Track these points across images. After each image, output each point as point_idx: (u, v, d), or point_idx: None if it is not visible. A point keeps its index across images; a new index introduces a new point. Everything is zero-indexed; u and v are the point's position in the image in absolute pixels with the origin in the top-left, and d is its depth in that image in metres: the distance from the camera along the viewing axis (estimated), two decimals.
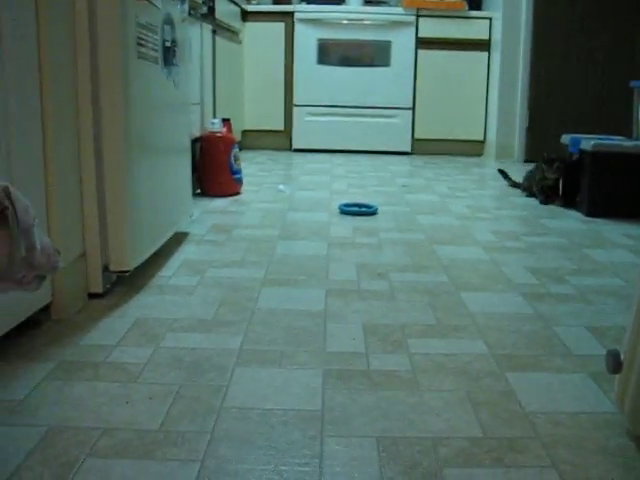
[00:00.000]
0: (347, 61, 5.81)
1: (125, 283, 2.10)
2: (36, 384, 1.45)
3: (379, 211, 3.36)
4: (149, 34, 2.11)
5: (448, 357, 1.63)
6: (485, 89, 5.83)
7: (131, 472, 1.14)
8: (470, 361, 1.61)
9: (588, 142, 3.45)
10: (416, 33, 5.74)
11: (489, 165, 5.43)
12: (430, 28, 5.73)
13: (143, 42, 2.05)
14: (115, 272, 2.04)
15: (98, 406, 1.37)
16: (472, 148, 5.96)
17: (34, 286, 1.07)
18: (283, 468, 1.16)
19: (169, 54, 2.35)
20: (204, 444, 1.23)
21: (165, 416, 1.33)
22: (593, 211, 3.40)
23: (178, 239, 2.69)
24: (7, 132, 1.55)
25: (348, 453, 1.21)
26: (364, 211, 3.33)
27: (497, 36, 5.62)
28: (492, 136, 5.74)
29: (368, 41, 5.77)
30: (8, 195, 0.95)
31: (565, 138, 3.81)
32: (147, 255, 2.21)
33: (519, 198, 3.86)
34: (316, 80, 5.82)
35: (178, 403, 1.39)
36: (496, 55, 5.66)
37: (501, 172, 4.43)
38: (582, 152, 3.50)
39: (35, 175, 1.69)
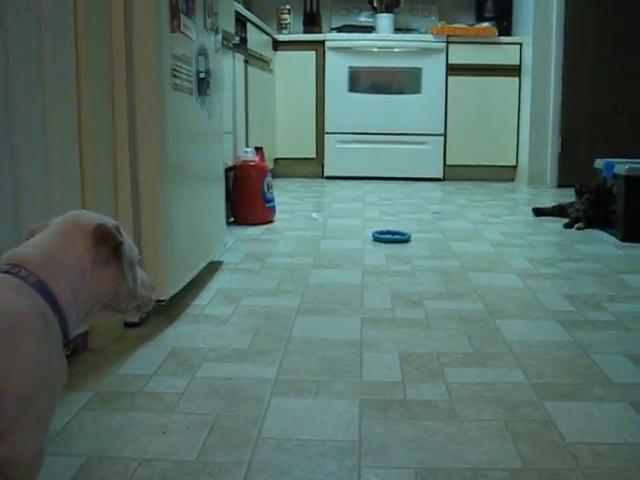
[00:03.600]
0: (378, 88, 5.84)
1: (161, 312, 2.11)
2: (74, 413, 1.46)
3: (412, 238, 3.35)
4: (184, 65, 2.14)
5: (485, 386, 1.62)
6: (516, 114, 5.82)
7: None
8: (508, 390, 1.59)
9: (622, 166, 3.42)
10: (446, 60, 5.76)
11: (521, 190, 5.41)
12: (460, 54, 5.75)
13: (178, 74, 2.08)
14: None
15: (136, 436, 1.37)
16: (504, 173, 5.93)
17: (133, 314, 1.17)
18: None
19: (203, 85, 2.37)
20: (241, 475, 1.23)
21: (202, 446, 1.33)
22: (628, 236, 3.36)
23: (213, 268, 2.70)
24: (47, 157, 1.58)
25: None
26: (397, 238, 3.33)
27: (528, 61, 5.62)
28: (524, 161, 5.72)
29: (399, 68, 5.80)
30: (119, 232, 1.04)
31: (598, 163, 3.78)
32: (182, 284, 2.22)
33: (552, 223, 3.83)
34: (347, 108, 5.85)
35: (215, 433, 1.39)
36: (527, 80, 5.65)
37: (535, 211, 4.15)
38: (616, 177, 3.47)
39: (72, 203, 1.71)
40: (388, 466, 1.26)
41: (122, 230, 1.07)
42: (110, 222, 1.05)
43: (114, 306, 1.10)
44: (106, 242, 1.04)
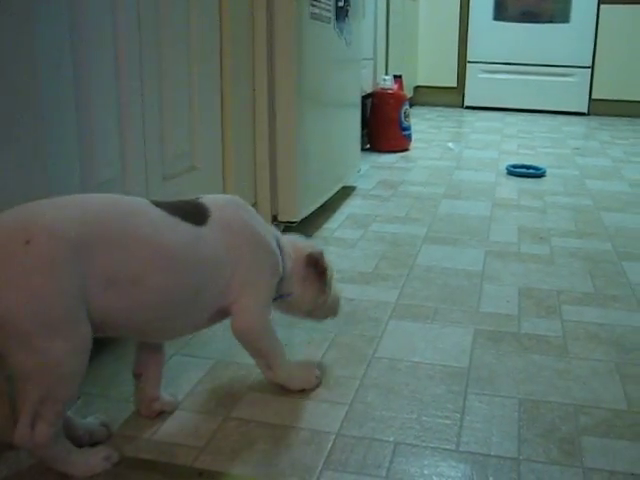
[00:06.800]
0: (524, 17, 5.62)
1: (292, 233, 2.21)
2: None
3: (547, 174, 3.30)
4: None
5: (602, 327, 1.63)
6: None
7: (287, 407, 1.25)
8: (624, 333, 1.60)
9: None
10: None
11: None
12: None
13: (316, 2, 2.12)
14: (283, 222, 2.15)
15: None
16: None
17: (320, 320, 1.42)
18: (425, 419, 1.22)
19: (341, 13, 2.41)
20: (353, 389, 1.32)
21: (320, 360, 1.43)
22: None
23: (345, 193, 2.78)
24: (190, 85, 1.68)
25: (489, 411, 1.25)
26: (532, 173, 3.29)
27: None
28: None
29: None
30: (323, 258, 1.33)
31: None
32: (314, 207, 2.31)
33: None
34: (491, 36, 5.69)
35: (333, 349, 1.48)
36: None
37: None
38: None
39: (213, 130, 1.81)
40: (493, 394, 1.31)
41: (325, 256, 1.34)
42: (317, 249, 1.34)
43: (309, 312, 1.37)
44: (315, 266, 1.31)
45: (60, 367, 0.95)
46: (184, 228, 1.08)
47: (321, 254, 1.33)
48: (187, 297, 1.10)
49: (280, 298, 1.29)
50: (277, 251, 1.24)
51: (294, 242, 1.34)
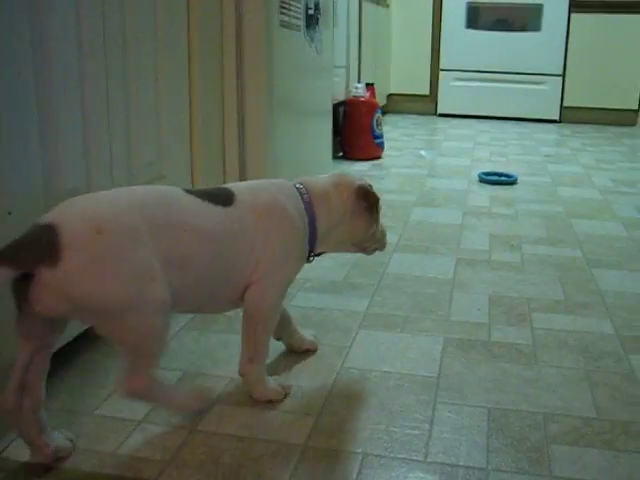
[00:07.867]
0: (496, 25, 5.66)
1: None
2: (175, 332, 1.57)
3: (519, 181, 3.32)
4: (292, 2, 2.17)
5: (571, 334, 1.63)
6: None
7: (254, 419, 1.23)
8: (594, 340, 1.60)
9: None
10: None
11: None
12: None
13: (286, 10, 2.12)
14: None
15: (229, 357, 1.46)
16: (625, 117, 5.69)
17: (370, 253, 1.48)
18: (393, 429, 1.21)
19: (312, 21, 2.40)
20: (321, 400, 1.30)
21: (289, 371, 1.41)
22: None
23: None
24: (158, 94, 1.66)
25: (458, 421, 1.24)
26: (503, 180, 3.30)
27: None
28: None
29: (518, 4, 5.58)
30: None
31: None
32: None
33: None
34: (464, 44, 5.72)
35: (302, 360, 1.46)
36: None
37: None
38: None
39: (181, 138, 1.80)
40: (462, 403, 1.30)
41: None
42: (367, 182, 1.38)
43: (360, 245, 1.43)
44: (365, 198, 1.35)
45: (148, 332, 1.06)
46: (214, 210, 1.18)
47: (370, 186, 1.37)
48: (223, 274, 1.19)
49: (315, 256, 1.37)
50: (305, 235, 1.29)
51: (338, 182, 1.36)
